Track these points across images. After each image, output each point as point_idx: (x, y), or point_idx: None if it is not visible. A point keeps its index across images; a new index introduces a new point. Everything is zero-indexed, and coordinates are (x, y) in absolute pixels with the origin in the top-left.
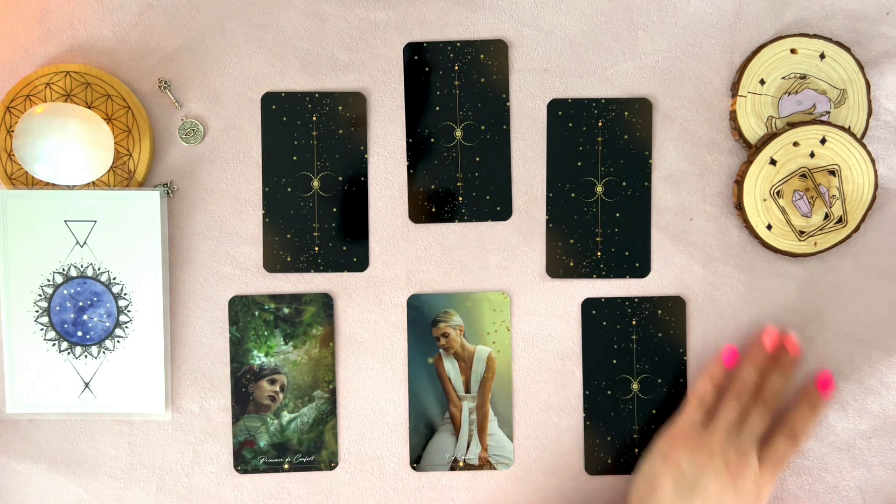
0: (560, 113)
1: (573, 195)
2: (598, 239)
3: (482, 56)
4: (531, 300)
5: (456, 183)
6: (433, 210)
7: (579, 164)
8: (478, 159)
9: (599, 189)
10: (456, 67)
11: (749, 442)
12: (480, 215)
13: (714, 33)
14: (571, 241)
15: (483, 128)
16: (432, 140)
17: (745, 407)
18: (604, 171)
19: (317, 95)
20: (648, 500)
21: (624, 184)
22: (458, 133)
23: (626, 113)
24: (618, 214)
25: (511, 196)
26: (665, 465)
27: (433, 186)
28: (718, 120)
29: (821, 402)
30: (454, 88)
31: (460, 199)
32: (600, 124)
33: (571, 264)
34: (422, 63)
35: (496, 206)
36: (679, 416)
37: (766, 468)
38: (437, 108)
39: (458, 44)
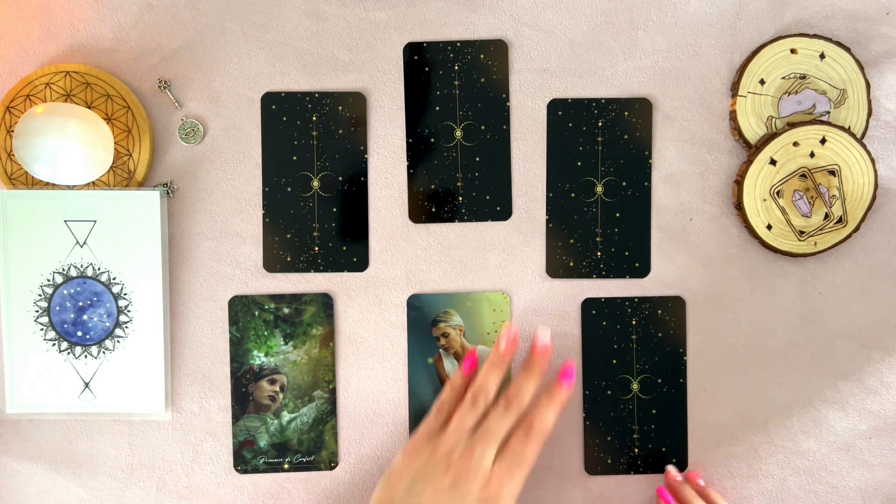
0: (560, 113)
1: (573, 195)
2: (597, 239)
3: (482, 56)
4: (531, 300)
5: (456, 183)
6: (433, 210)
7: (579, 163)
8: (478, 159)
9: (599, 189)
10: (456, 67)
11: (481, 442)
12: (480, 215)
13: (714, 33)
14: (571, 241)
15: (483, 128)
16: (432, 140)
17: (483, 410)
18: (604, 171)
19: (317, 95)
20: None
21: (624, 184)
22: (458, 133)
23: (626, 113)
24: (618, 214)
25: (511, 196)
26: (387, 481)
27: (433, 186)
28: (718, 120)
29: (559, 393)
30: (454, 88)
31: (460, 199)
32: (600, 124)
33: (571, 264)
34: (422, 63)
35: (496, 206)
36: (419, 427)
37: (502, 466)
38: (437, 108)
39: (458, 44)
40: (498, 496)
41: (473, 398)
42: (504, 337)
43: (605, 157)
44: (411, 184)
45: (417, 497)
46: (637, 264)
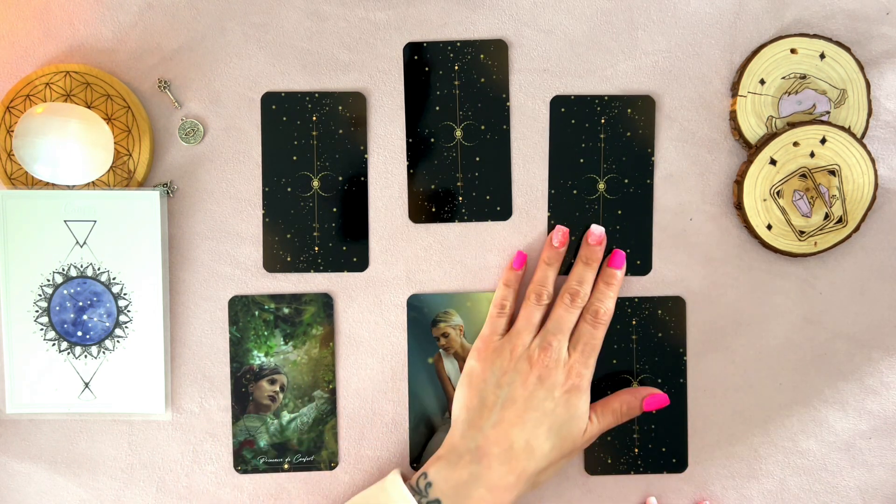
0: (563, 109)
1: (575, 192)
2: None
3: (482, 56)
4: None
5: (456, 183)
6: (433, 210)
7: (581, 161)
8: (478, 159)
9: (601, 186)
10: (456, 67)
11: (555, 335)
12: (480, 215)
13: (714, 33)
14: (573, 238)
15: (483, 127)
16: (432, 140)
17: (546, 305)
18: (606, 169)
19: (317, 95)
20: (462, 421)
21: (626, 181)
22: (458, 133)
23: (629, 110)
24: (619, 212)
25: (511, 196)
26: (471, 383)
27: (433, 186)
28: (718, 120)
29: (613, 277)
30: (454, 88)
31: (460, 199)
32: (603, 121)
33: (573, 261)
34: (422, 63)
35: (496, 206)
36: (483, 328)
37: (578, 354)
38: (437, 108)
39: (458, 44)
40: (580, 383)
41: (537, 295)
42: (556, 232)
43: (607, 154)
44: (411, 184)
45: (508, 393)
46: (638, 262)
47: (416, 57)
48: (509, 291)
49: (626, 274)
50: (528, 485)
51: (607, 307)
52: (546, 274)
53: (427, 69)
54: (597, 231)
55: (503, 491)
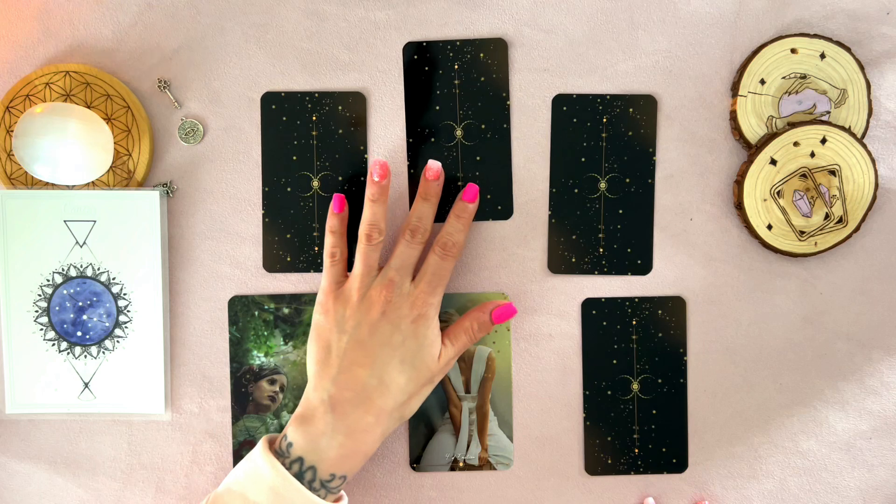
0: (565, 108)
1: (576, 191)
2: (600, 235)
3: (482, 55)
4: (531, 300)
5: (456, 182)
6: None
7: (583, 160)
8: (478, 158)
9: (603, 185)
10: (456, 66)
11: (395, 270)
12: (480, 214)
13: (714, 33)
14: (574, 236)
15: (483, 127)
16: (433, 139)
17: (379, 244)
18: (607, 168)
19: (317, 95)
20: (313, 375)
21: (627, 180)
22: (459, 132)
23: (631, 109)
24: (620, 211)
25: (511, 195)
26: (319, 336)
27: None
28: (718, 120)
29: (465, 210)
30: (454, 87)
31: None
32: (605, 120)
33: (573, 260)
34: (422, 62)
35: (496, 205)
36: (322, 282)
37: (421, 284)
38: (438, 108)
39: (458, 43)
40: (426, 311)
41: (367, 236)
42: (376, 166)
43: (608, 153)
44: (411, 184)
45: (352, 336)
46: (639, 261)
47: (415, 56)
48: (336, 237)
49: (627, 273)
50: (393, 420)
51: (456, 240)
52: (373, 212)
53: (427, 69)
54: (433, 165)
55: (363, 433)
